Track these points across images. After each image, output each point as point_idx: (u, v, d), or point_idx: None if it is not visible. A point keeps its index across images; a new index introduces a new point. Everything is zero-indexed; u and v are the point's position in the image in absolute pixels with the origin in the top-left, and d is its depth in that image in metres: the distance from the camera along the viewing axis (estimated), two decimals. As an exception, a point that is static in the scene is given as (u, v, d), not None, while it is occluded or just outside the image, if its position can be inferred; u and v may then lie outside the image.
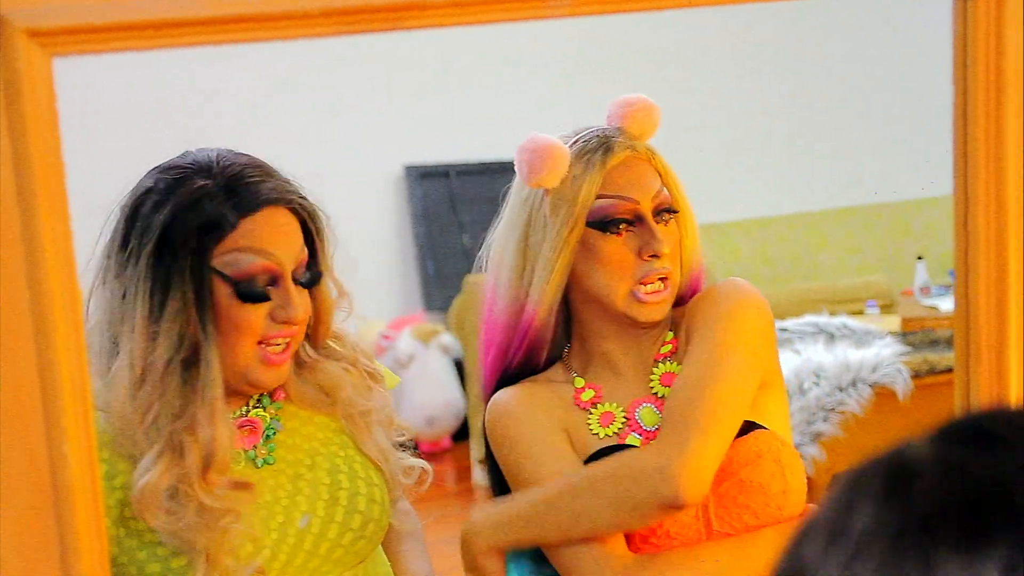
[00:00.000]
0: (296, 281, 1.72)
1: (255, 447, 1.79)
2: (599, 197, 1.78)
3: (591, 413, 1.83)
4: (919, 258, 6.68)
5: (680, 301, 1.89)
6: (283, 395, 1.84)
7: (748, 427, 1.79)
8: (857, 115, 7.56)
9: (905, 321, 5.06)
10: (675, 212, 1.82)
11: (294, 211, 1.73)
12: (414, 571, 1.92)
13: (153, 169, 1.73)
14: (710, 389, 1.70)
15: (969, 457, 0.66)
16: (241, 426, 1.79)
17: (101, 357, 1.71)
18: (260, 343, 1.71)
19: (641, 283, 1.78)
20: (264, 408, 1.82)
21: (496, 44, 6.75)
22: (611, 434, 1.81)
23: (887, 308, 5.50)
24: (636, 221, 1.79)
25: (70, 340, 0.90)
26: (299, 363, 1.83)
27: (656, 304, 1.79)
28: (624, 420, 1.82)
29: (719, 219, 7.14)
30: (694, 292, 1.90)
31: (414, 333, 6.21)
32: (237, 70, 6.33)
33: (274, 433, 1.81)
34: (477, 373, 1.98)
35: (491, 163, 6.64)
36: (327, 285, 1.79)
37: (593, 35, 7.03)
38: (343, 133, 6.58)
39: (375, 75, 6.67)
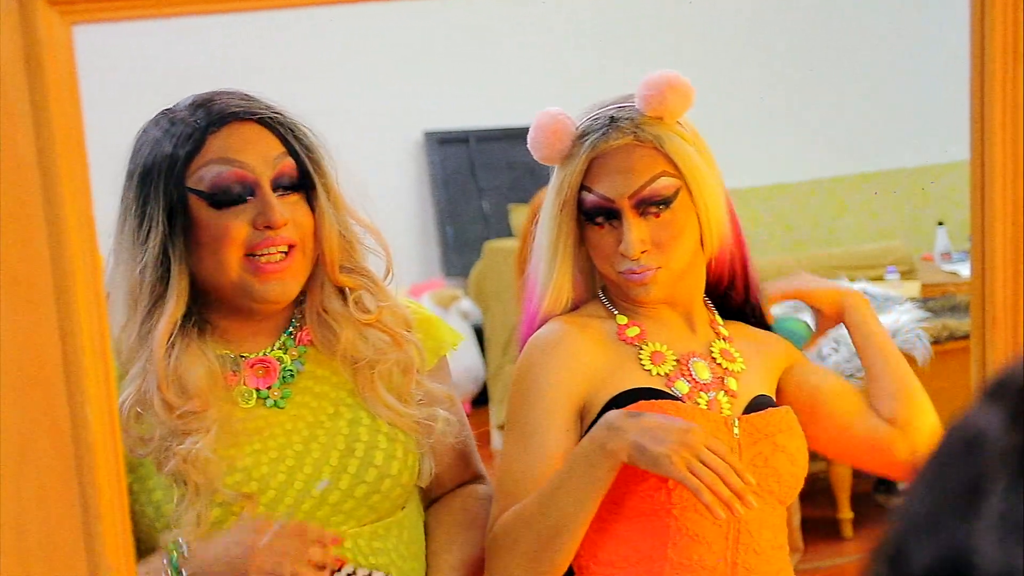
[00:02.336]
0: (279, 187, 1.75)
1: (269, 388, 1.81)
2: (584, 188, 1.80)
3: (642, 349, 1.84)
4: (939, 223, 6.67)
5: (719, 283, 1.93)
6: (308, 340, 1.84)
7: (773, 403, 1.86)
8: (876, 80, 7.52)
9: (925, 287, 5.06)
10: (669, 203, 1.79)
11: (265, 124, 1.76)
12: (444, 560, 1.88)
13: None
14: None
15: None
16: (253, 365, 1.81)
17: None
18: (250, 255, 1.73)
19: (622, 274, 1.80)
20: (286, 350, 1.83)
21: (517, 9, 6.74)
22: (662, 373, 1.82)
23: (907, 274, 5.49)
24: (614, 216, 1.79)
25: (91, 304, 0.91)
26: (324, 310, 1.84)
27: (649, 284, 1.80)
28: (675, 364, 1.84)
29: (738, 185, 7.13)
30: (730, 272, 1.93)
31: (434, 299, 6.22)
32: (257, 38, 6.33)
33: (292, 376, 1.82)
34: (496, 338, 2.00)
35: (511, 129, 6.63)
36: (323, 201, 1.79)
37: (614, 3, 7.01)
38: (363, 99, 6.58)
39: (396, 41, 6.66)
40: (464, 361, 6.18)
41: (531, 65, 6.82)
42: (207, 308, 1.80)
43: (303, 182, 1.78)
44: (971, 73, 1.07)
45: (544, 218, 1.84)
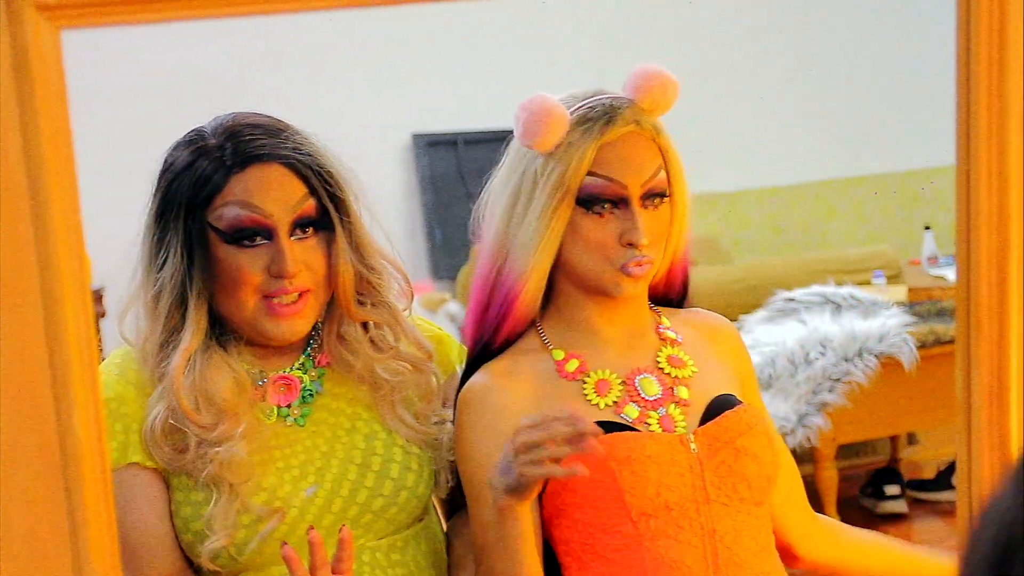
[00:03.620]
0: (299, 227, 1.75)
1: (289, 405, 1.82)
2: (590, 174, 1.74)
3: (584, 382, 1.80)
4: (927, 228, 6.68)
5: (660, 288, 1.90)
6: (327, 361, 1.86)
7: (732, 401, 1.82)
8: (865, 84, 7.53)
9: (912, 291, 5.07)
10: (666, 197, 1.78)
11: (289, 166, 1.76)
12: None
13: None
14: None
15: None
16: (276, 381, 1.82)
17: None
18: (265, 297, 1.75)
19: (623, 267, 1.75)
20: (306, 371, 1.85)
21: (505, 12, 6.74)
22: (610, 403, 1.79)
23: (894, 278, 5.50)
24: (621, 204, 1.75)
25: (79, 311, 0.91)
26: (340, 337, 1.85)
27: (637, 279, 1.77)
28: (621, 388, 1.80)
29: (728, 188, 7.14)
30: (673, 281, 1.90)
31: (422, 302, 6.22)
32: (244, 41, 6.32)
33: (311, 396, 1.84)
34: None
35: (499, 131, 6.58)
36: (342, 243, 1.79)
37: (604, 5, 7.01)
38: (350, 101, 6.57)
39: (383, 43, 6.66)
40: (452, 364, 6.16)
41: (519, 68, 6.82)
42: (229, 326, 1.82)
43: (323, 222, 1.78)
44: (957, 79, 1.07)
45: (534, 208, 1.76)
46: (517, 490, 1.61)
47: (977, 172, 1.07)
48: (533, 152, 1.77)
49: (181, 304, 1.75)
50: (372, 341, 1.85)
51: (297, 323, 1.77)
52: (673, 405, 1.79)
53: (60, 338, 0.91)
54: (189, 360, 1.75)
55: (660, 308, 1.91)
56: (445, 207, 6.82)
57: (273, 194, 1.74)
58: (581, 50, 6.91)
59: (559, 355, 1.82)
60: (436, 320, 6.23)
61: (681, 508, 1.73)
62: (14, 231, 0.89)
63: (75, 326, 0.92)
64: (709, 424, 1.78)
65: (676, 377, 1.82)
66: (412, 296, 1.91)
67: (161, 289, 1.75)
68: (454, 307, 6.25)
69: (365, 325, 1.85)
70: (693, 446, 1.75)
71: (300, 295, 1.76)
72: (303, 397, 1.83)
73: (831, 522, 2.04)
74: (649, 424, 1.77)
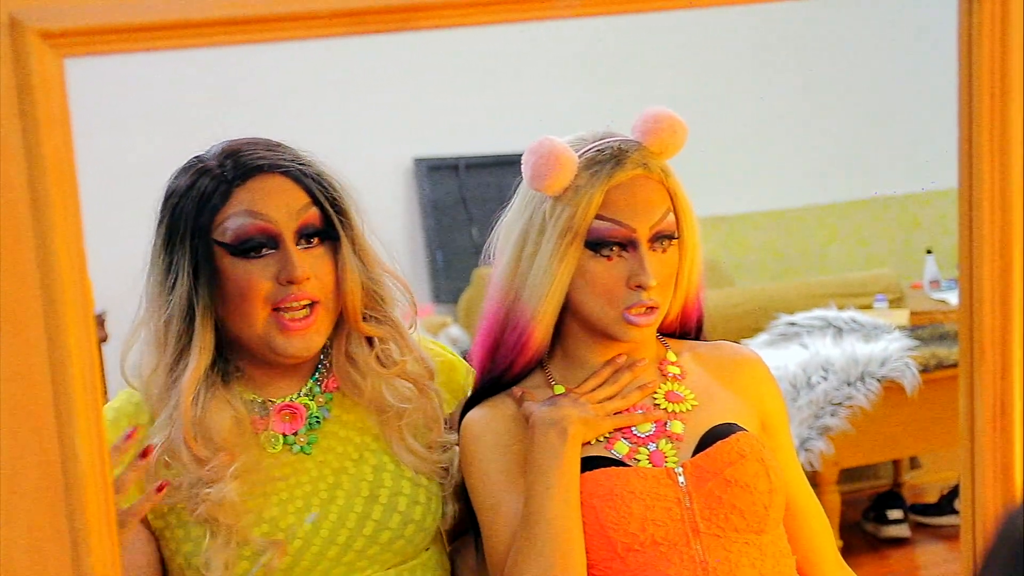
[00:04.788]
0: (303, 237, 1.75)
1: (296, 433, 1.81)
2: (598, 217, 1.74)
3: None
4: (928, 251, 6.68)
5: (675, 326, 1.90)
6: (335, 386, 1.85)
7: (728, 430, 1.80)
8: (866, 108, 7.55)
9: (914, 315, 5.06)
10: (675, 239, 1.78)
11: (290, 176, 1.76)
12: None
13: None
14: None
15: None
16: (280, 410, 1.81)
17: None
18: (275, 310, 1.74)
19: (628, 309, 1.76)
20: (313, 397, 1.84)
21: (507, 38, 6.75)
22: (601, 439, 1.79)
23: (896, 302, 5.49)
24: (629, 247, 1.76)
25: (82, 337, 0.91)
26: (350, 358, 1.84)
27: (644, 327, 1.77)
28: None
29: (728, 212, 7.15)
30: (688, 318, 1.90)
31: (423, 325, 6.22)
32: (248, 66, 6.34)
33: (318, 423, 1.82)
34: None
35: (501, 156, 6.64)
36: (347, 253, 1.79)
37: (605, 30, 7.03)
38: (353, 125, 6.59)
39: (386, 68, 6.68)
40: (454, 388, 6.15)
41: (521, 93, 6.83)
42: (234, 354, 1.81)
43: (328, 232, 1.78)
44: (959, 102, 1.07)
45: (544, 250, 1.77)
46: (587, 427, 1.76)
47: (979, 195, 1.07)
48: (541, 195, 1.78)
49: (190, 325, 1.74)
50: (378, 358, 1.84)
51: (309, 338, 1.76)
52: (665, 440, 1.79)
53: (63, 362, 0.91)
54: (199, 381, 1.73)
55: (672, 341, 1.91)
56: (447, 231, 6.82)
57: (276, 202, 1.74)
58: (583, 76, 6.93)
59: (559, 390, 1.83)
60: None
61: (669, 542, 1.72)
62: (17, 256, 0.89)
63: (78, 351, 0.92)
64: (698, 456, 1.77)
65: (672, 412, 1.82)
66: (415, 308, 1.90)
67: (172, 313, 1.73)
68: (455, 331, 6.25)
69: (371, 342, 1.84)
70: (681, 479, 1.75)
71: (310, 309, 1.75)
72: (310, 424, 1.82)
73: None
74: (638, 459, 1.77)
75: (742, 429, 1.81)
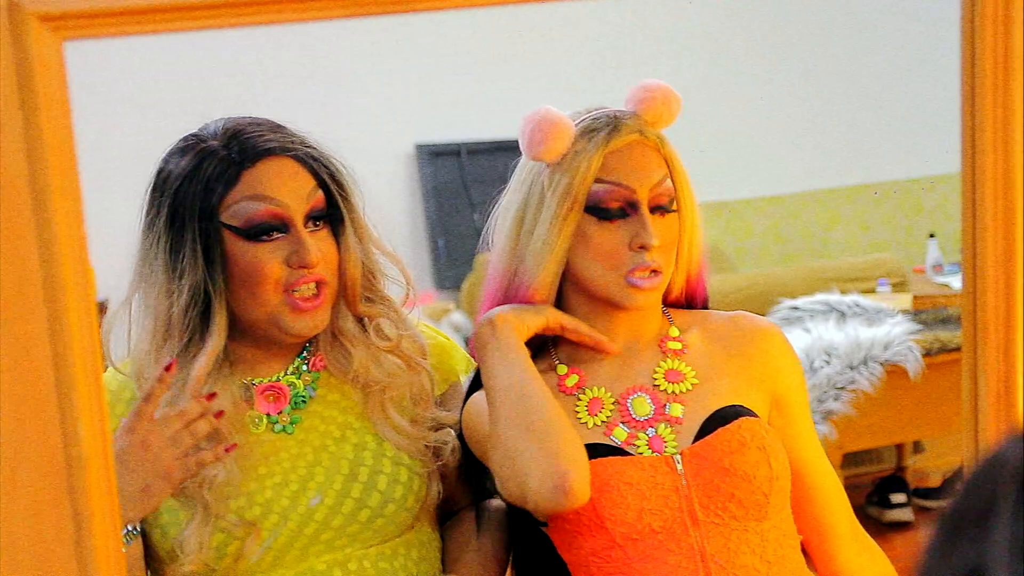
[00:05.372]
0: (311, 220, 1.76)
1: (280, 413, 1.82)
2: (597, 181, 1.75)
3: (579, 400, 1.81)
4: (931, 236, 6.67)
5: (680, 301, 1.89)
6: (322, 365, 1.86)
7: (735, 414, 1.79)
8: (868, 92, 7.54)
9: (916, 299, 5.05)
10: (673, 208, 1.78)
11: (298, 159, 1.77)
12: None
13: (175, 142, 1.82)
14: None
15: None
16: (264, 391, 1.82)
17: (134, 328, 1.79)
18: (285, 291, 1.75)
19: (631, 272, 1.76)
20: (299, 376, 1.84)
21: (509, 22, 6.74)
22: (599, 423, 1.79)
23: (899, 286, 5.49)
24: (630, 210, 1.76)
25: (83, 320, 0.91)
26: (336, 333, 1.85)
27: (648, 291, 1.77)
28: (613, 407, 1.80)
29: (731, 197, 7.14)
30: (693, 294, 1.89)
31: (426, 312, 6.22)
32: (248, 50, 6.33)
33: (303, 402, 1.83)
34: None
35: (503, 142, 6.62)
36: (350, 235, 1.80)
37: (607, 14, 7.02)
38: (354, 111, 6.58)
39: (387, 52, 6.67)
40: (456, 374, 6.15)
41: (523, 78, 6.82)
42: (231, 335, 1.81)
43: (332, 214, 1.79)
44: (962, 86, 1.07)
45: (543, 219, 1.77)
46: (512, 322, 1.78)
47: (982, 179, 1.07)
48: (540, 165, 1.79)
49: (204, 309, 1.74)
50: (368, 334, 1.85)
51: (318, 317, 1.78)
52: (664, 424, 1.78)
53: (64, 348, 0.91)
54: (213, 364, 1.74)
55: (680, 313, 1.90)
56: (449, 217, 6.82)
57: (287, 186, 1.75)
58: (584, 60, 6.92)
59: (562, 370, 1.83)
60: (440, 330, 6.24)
61: (668, 531, 1.72)
62: (18, 242, 0.89)
63: (79, 337, 0.92)
64: (697, 444, 1.76)
65: (672, 394, 1.81)
66: (411, 287, 1.90)
67: (182, 298, 1.73)
68: (458, 317, 6.25)
69: (361, 321, 1.85)
70: (679, 467, 1.74)
71: (319, 288, 1.76)
72: (294, 403, 1.83)
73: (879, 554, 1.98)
74: (638, 446, 1.76)
75: (746, 412, 1.79)
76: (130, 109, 6.05)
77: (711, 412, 1.79)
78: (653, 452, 1.76)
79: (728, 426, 1.77)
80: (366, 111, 6.64)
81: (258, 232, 1.73)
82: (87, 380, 0.91)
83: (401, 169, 6.92)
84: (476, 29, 6.78)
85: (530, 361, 1.74)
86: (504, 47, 6.90)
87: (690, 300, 1.90)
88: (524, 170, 1.82)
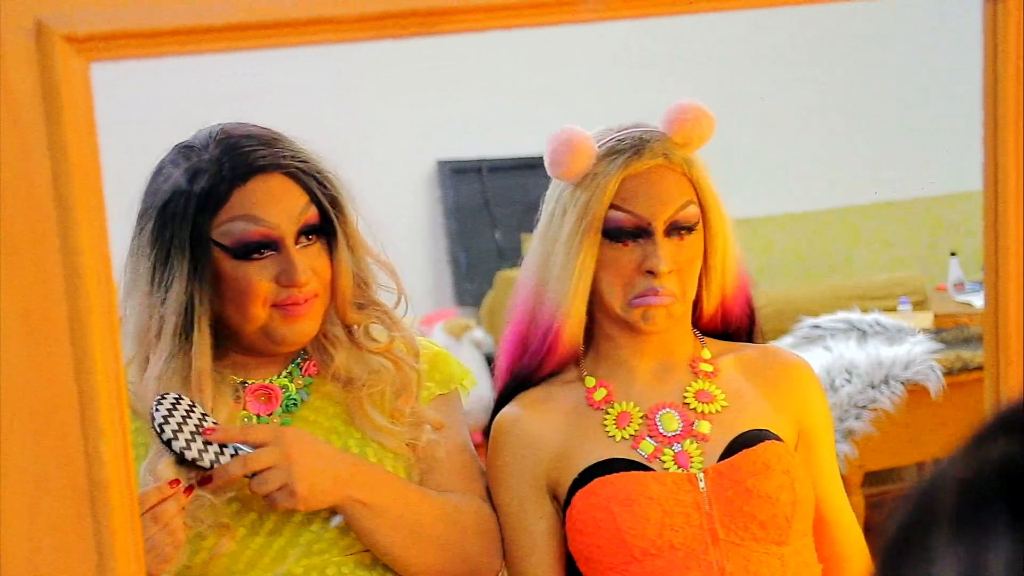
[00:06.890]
0: (302, 234, 1.75)
1: (270, 415, 1.81)
2: (613, 207, 1.76)
3: (607, 413, 1.82)
4: (952, 254, 6.65)
5: (717, 321, 1.89)
6: (315, 370, 1.85)
7: (758, 437, 1.79)
8: (890, 110, 7.52)
9: (938, 318, 5.04)
10: (691, 231, 1.79)
11: (291, 175, 1.75)
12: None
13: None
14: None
15: None
16: (255, 391, 1.82)
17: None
18: (275, 306, 1.74)
19: (639, 296, 1.77)
20: (292, 379, 1.84)
21: (531, 41, 6.75)
22: (627, 436, 1.79)
23: (920, 304, 5.47)
24: (643, 233, 1.77)
25: (106, 340, 0.91)
26: (325, 336, 1.84)
27: (651, 309, 1.77)
28: (641, 421, 1.81)
29: (752, 214, 7.13)
30: (729, 316, 1.90)
31: (446, 328, 6.22)
32: (270, 68, 6.35)
33: (295, 406, 1.83)
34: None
35: (524, 159, 6.63)
36: (342, 248, 1.79)
37: (629, 33, 7.02)
38: (375, 129, 6.60)
39: (409, 70, 6.68)
40: (476, 390, 6.15)
41: (544, 95, 6.83)
42: (224, 339, 1.80)
43: (324, 228, 1.78)
44: (984, 104, 1.07)
45: (562, 239, 1.79)
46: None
47: (1004, 197, 1.06)
48: (564, 184, 1.80)
49: (188, 324, 1.72)
50: (363, 336, 1.84)
51: (306, 325, 1.77)
52: (690, 440, 1.79)
53: (88, 370, 0.91)
54: (205, 375, 1.73)
55: (713, 341, 1.90)
56: (469, 234, 6.83)
57: (278, 206, 1.74)
58: (607, 77, 6.92)
59: (591, 383, 1.84)
60: (460, 346, 6.24)
61: (687, 548, 1.72)
62: (43, 265, 0.89)
63: (103, 358, 0.92)
64: (721, 463, 1.77)
65: (701, 412, 1.81)
66: (402, 295, 1.89)
67: (166, 312, 1.72)
68: (479, 334, 6.25)
69: (349, 326, 1.84)
70: (702, 484, 1.75)
71: (308, 299, 1.76)
72: (286, 406, 1.82)
73: None
74: (663, 460, 1.77)
75: (772, 436, 1.79)
76: (154, 130, 6.07)
77: (738, 433, 1.79)
78: (679, 468, 1.76)
79: (754, 448, 1.77)
80: (387, 129, 6.66)
81: (248, 251, 1.73)
82: (110, 402, 0.91)
83: (422, 186, 6.93)
84: (498, 47, 6.79)
85: None
86: (525, 64, 6.91)
87: (726, 323, 1.90)
88: (553, 187, 1.84)
